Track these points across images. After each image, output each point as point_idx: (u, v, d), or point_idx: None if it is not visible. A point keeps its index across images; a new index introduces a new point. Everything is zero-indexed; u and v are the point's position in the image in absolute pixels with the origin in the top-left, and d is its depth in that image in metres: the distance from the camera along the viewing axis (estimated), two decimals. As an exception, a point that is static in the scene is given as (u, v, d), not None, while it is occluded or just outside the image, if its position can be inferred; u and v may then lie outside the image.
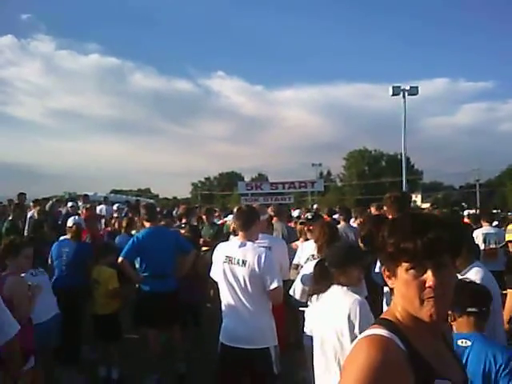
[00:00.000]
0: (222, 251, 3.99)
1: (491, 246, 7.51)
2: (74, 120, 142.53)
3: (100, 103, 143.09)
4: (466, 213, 12.57)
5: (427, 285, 1.31)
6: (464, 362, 2.38)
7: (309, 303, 3.70)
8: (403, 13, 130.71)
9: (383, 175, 68.70)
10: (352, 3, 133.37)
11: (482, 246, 7.45)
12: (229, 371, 3.88)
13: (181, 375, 5.95)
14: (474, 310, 2.57)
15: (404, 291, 1.36)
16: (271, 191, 31.08)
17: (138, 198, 34.35)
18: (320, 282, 3.26)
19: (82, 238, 6.24)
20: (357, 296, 3.05)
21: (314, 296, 3.30)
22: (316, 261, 3.86)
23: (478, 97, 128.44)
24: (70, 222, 6.35)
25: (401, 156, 28.11)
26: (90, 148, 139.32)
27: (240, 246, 3.88)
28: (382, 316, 1.43)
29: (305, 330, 3.77)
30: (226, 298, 3.92)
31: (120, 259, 5.80)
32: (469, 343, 2.51)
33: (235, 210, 4.40)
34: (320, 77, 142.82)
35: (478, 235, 7.74)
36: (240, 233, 3.99)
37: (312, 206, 26.21)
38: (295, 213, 13.91)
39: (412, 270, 1.33)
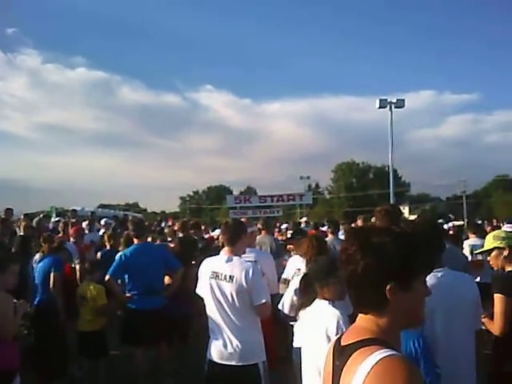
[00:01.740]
0: (208, 267, 3.94)
1: (478, 258, 7.54)
2: (61, 134, 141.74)
3: (87, 117, 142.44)
4: (450, 224, 12.67)
5: (428, 293, 1.49)
6: None
7: (297, 317, 3.68)
8: (390, 26, 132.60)
9: (371, 187, 69.15)
10: (339, 16, 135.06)
11: (469, 258, 7.49)
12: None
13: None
14: None
15: (413, 303, 1.45)
16: (260, 204, 31.12)
17: (126, 212, 34.18)
18: (305, 296, 3.25)
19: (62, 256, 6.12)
20: (336, 311, 3.05)
21: (301, 310, 3.28)
22: (302, 275, 3.84)
23: (463, 109, 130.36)
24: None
25: (388, 168, 28.27)
26: (77, 162, 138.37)
27: (227, 261, 3.84)
28: (370, 336, 1.41)
29: (294, 344, 3.74)
30: (213, 314, 3.87)
31: (107, 277, 5.75)
32: None
33: (222, 224, 4.37)
34: (307, 90, 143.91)
35: (464, 247, 7.79)
36: (226, 247, 3.95)
37: (300, 218, 26.22)
38: (283, 226, 13.94)
39: (424, 282, 1.48)
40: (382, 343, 1.36)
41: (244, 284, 3.70)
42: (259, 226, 7.09)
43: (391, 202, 26.63)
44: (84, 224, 13.51)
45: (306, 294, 3.03)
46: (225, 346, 3.78)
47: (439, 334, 2.93)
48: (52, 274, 5.80)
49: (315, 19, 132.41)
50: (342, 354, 1.43)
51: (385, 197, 37.29)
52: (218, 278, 3.80)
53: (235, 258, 3.86)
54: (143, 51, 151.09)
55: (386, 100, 25.16)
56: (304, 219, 16.63)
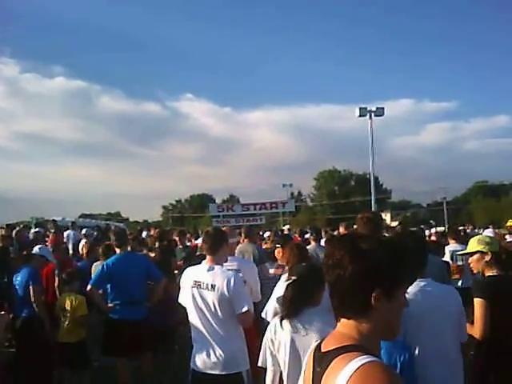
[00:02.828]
0: (189, 276, 3.93)
1: (458, 263, 7.63)
2: (41, 144, 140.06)
3: (67, 127, 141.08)
4: (432, 230, 12.81)
5: (406, 304, 1.52)
6: None
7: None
8: (369, 35, 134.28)
9: (353, 195, 69.67)
10: (319, 25, 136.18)
11: (450, 263, 7.59)
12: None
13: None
14: None
15: (394, 313, 1.47)
16: (243, 212, 31.12)
17: (108, 222, 33.91)
18: (293, 304, 3.20)
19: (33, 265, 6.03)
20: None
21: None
22: (287, 282, 3.82)
23: (441, 116, 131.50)
24: (34, 250, 6.18)
25: (369, 176, 28.52)
26: (57, 172, 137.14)
27: (208, 270, 3.83)
28: (350, 343, 1.41)
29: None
30: (195, 323, 3.85)
31: (89, 287, 5.70)
32: None
33: (203, 232, 4.36)
34: (288, 98, 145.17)
35: (445, 252, 7.88)
36: (208, 256, 3.94)
37: (283, 226, 26.30)
38: (266, 234, 13.93)
39: (404, 293, 1.50)
40: (363, 349, 1.37)
41: (226, 293, 3.69)
42: (242, 234, 7.09)
43: (373, 208, 26.84)
44: (65, 234, 13.41)
45: (295, 302, 2.96)
46: (208, 355, 3.76)
47: (426, 346, 2.93)
48: (31, 288, 5.71)
49: (295, 28, 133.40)
50: (322, 361, 1.43)
51: (366, 204, 37.65)
52: (200, 287, 3.79)
53: (217, 267, 3.85)
54: (122, 60, 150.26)
55: (366, 108, 25.37)
56: (287, 227, 16.66)
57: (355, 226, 4.99)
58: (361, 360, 1.30)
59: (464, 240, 8.51)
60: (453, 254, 7.79)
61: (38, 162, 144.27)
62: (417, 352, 2.92)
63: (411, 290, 3.01)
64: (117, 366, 5.80)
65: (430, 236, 10.51)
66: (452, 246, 8.04)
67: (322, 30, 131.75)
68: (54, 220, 14.25)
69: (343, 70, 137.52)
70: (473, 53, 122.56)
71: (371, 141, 25.70)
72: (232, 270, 4.50)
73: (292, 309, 2.83)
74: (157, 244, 8.46)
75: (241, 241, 7.14)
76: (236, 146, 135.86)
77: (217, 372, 3.70)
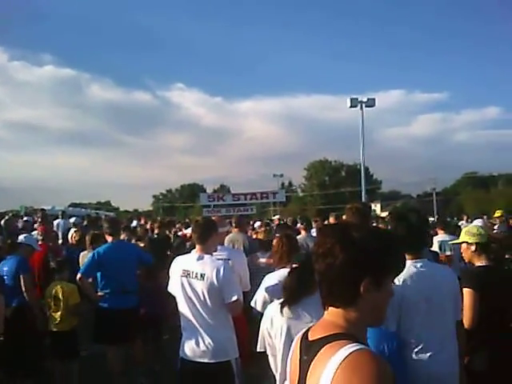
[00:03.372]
0: (179, 265, 3.94)
1: (447, 253, 7.70)
2: (30, 132, 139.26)
3: (57, 115, 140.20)
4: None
5: (392, 293, 1.53)
6: None
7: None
8: (361, 26, 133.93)
9: (343, 185, 69.85)
10: (310, 16, 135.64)
11: (439, 253, 7.67)
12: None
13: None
14: None
15: (382, 301, 1.49)
16: (233, 202, 31.11)
17: (98, 211, 33.77)
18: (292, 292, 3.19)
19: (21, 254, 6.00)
20: None
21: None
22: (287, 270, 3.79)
23: (432, 108, 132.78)
24: (19, 239, 6.14)
25: (360, 166, 28.59)
26: (47, 161, 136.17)
27: (198, 259, 3.84)
28: (338, 331, 1.42)
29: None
30: (184, 312, 3.87)
31: (79, 276, 5.67)
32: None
33: (193, 222, 4.36)
34: (279, 88, 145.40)
35: (434, 243, 7.95)
36: (197, 246, 3.95)
37: (274, 216, 26.33)
38: (256, 224, 13.97)
39: (392, 282, 1.51)
40: (351, 337, 1.38)
41: (215, 282, 3.71)
42: (232, 223, 7.10)
43: (363, 199, 26.96)
44: (55, 223, 13.34)
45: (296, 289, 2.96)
46: (197, 343, 3.78)
47: (421, 323, 2.97)
48: (21, 277, 5.68)
49: (288, 19, 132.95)
50: (309, 349, 1.44)
51: (357, 194, 37.78)
52: (189, 276, 3.80)
53: (206, 256, 3.87)
54: (112, 48, 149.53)
55: (357, 99, 25.39)
56: (277, 217, 16.69)
57: (344, 217, 5.01)
58: (350, 348, 1.32)
59: (454, 231, 8.61)
60: (441, 244, 7.87)
61: (27, 151, 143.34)
62: (416, 333, 2.96)
63: (409, 270, 3.04)
64: (107, 355, 5.80)
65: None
66: (440, 237, 8.12)
67: (314, 21, 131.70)
68: (42, 209, 14.14)
69: (335, 60, 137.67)
70: (464, 44, 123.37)
71: (362, 131, 25.76)
72: (222, 259, 4.51)
73: (293, 296, 2.85)
74: (156, 231, 8.43)
75: (231, 230, 7.16)
76: (227, 135, 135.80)
77: (206, 360, 3.72)
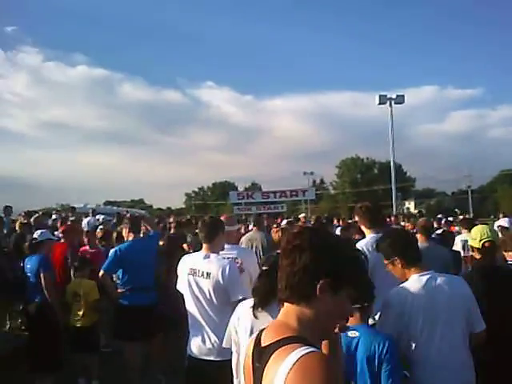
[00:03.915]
0: (186, 263, 3.99)
1: (470, 253, 7.55)
2: (64, 131, 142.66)
3: (90, 115, 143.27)
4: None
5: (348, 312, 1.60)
6: (354, 350, 2.81)
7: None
8: (392, 21, 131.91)
9: (376, 183, 68.96)
10: (340, 12, 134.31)
11: (461, 253, 7.53)
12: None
13: (161, 387, 5.96)
14: (358, 306, 2.86)
15: (335, 309, 1.50)
16: (264, 200, 31.24)
17: (131, 209, 34.34)
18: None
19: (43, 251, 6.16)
20: None
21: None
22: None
23: (467, 104, 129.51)
24: (35, 235, 6.33)
25: (391, 164, 28.21)
26: (81, 159, 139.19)
27: (204, 258, 3.89)
28: (290, 334, 1.43)
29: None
30: (191, 310, 3.93)
31: (101, 272, 5.80)
32: (357, 334, 2.84)
33: (200, 222, 4.40)
34: (309, 85, 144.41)
35: (456, 242, 7.82)
36: (204, 245, 4.00)
37: (298, 214, 26.21)
38: (283, 222, 13.95)
39: (349, 299, 1.53)
40: (302, 340, 1.39)
41: (221, 280, 3.75)
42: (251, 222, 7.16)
43: (393, 197, 26.65)
44: (85, 221, 13.65)
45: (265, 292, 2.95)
46: (203, 341, 3.84)
47: (422, 339, 2.94)
48: (42, 275, 5.85)
49: (317, 17, 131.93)
50: (261, 356, 1.44)
51: (389, 192, 37.22)
52: (196, 274, 3.86)
53: (212, 255, 3.91)
54: (143, 48, 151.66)
55: (386, 96, 25.08)
56: (302, 215, 16.62)
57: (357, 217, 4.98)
58: (300, 351, 1.32)
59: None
60: (464, 244, 7.72)
61: (62, 150, 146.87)
62: (422, 346, 2.93)
63: (414, 283, 3.03)
64: (125, 351, 5.93)
65: (438, 228, 10.33)
66: (464, 236, 7.96)
67: (344, 15, 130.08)
68: (72, 207, 14.49)
69: (366, 56, 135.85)
70: (498, 38, 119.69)
71: (391, 129, 25.43)
72: (231, 258, 4.56)
73: (262, 299, 2.85)
74: (172, 231, 8.54)
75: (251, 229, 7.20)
76: (257, 133, 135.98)
77: (211, 358, 3.77)
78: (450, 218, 12.78)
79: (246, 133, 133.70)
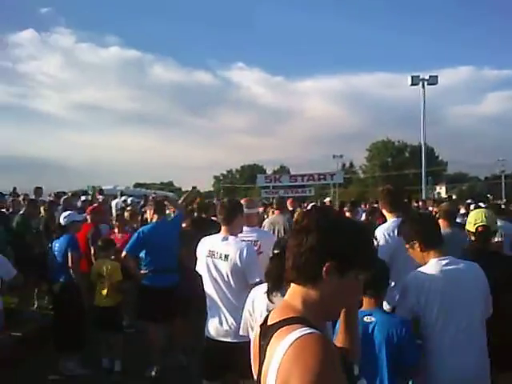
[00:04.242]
0: (205, 246, 4.01)
1: (496, 239, 7.36)
2: (97, 113, 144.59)
3: (121, 96, 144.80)
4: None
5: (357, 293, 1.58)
6: (370, 334, 2.82)
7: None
8: (425, 1, 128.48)
9: (407, 167, 67.90)
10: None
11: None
12: (214, 365, 3.90)
13: (182, 367, 6.05)
14: (375, 290, 2.91)
15: (342, 292, 1.48)
16: (292, 184, 31.17)
17: (159, 191, 34.69)
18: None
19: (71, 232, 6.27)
20: None
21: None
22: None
23: (503, 85, 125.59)
24: (62, 217, 6.47)
25: (422, 147, 27.70)
26: (112, 141, 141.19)
27: (222, 240, 3.90)
28: (292, 315, 1.43)
29: None
30: (210, 292, 3.96)
31: (124, 253, 5.89)
32: (373, 319, 2.86)
33: (219, 204, 4.41)
34: (340, 66, 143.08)
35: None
36: (222, 227, 4.00)
37: (324, 198, 26.07)
38: (309, 206, 13.92)
39: (361, 277, 1.49)
40: (305, 322, 1.38)
41: (238, 263, 3.75)
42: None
43: (423, 181, 26.22)
44: (113, 202, 13.87)
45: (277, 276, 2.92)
46: (221, 323, 3.86)
47: (438, 324, 2.90)
48: (69, 254, 5.97)
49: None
50: (266, 335, 1.45)
51: (420, 176, 36.63)
52: (214, 256, 3.87)
53: (231, 238, 3.92)
54: (175, 29, 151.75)
55: (418, 77, 24.48)
56: (328, 199, 16.51)
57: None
58: (300, 332, 1.32)
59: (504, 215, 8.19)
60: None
61: (94, 131, 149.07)
62: (439, 330, 2.89)
63: (432, 267, 3.00)
64: (148, 331, 6.02)
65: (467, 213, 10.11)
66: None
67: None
68: (100, 189, 14.72)
69: (399, 36, 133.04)
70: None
71: (423, 111, 24.88)
72: (251, 241, 4.56)
73: (275, 283, 2.83)
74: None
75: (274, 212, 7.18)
76: (287, 115, 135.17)
77: (228, 340, 3.79)
78: (482, 204, 12.46)
79: (276, 115, 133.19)
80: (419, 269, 3.09)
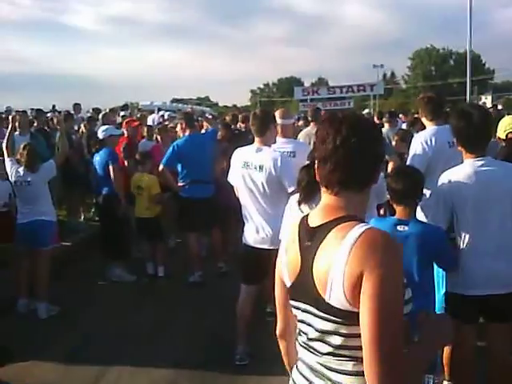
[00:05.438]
0: (239, 157, 4.04)
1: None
2: (129, 26, 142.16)
3: (153, 7, 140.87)
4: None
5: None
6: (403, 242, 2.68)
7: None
8: None
9: (451, 76, 64.88)
10: None
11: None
12: (251, 270, 4.07)
13: (222, 273, 6.34)
14: (409, 200, 2.91)
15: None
16: (330, 96, 30.46)
17: (197, 106, 34.58)
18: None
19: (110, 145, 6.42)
20: None
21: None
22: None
23: None
24: (99, 131, 6.65)
25: (467, 54, 26.23)
26: (146, 55, 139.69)
27: (256, 151, 3.92)
28: (344, 214, 1.41)
29: None
30: (245, 202, 4.04)
31: (160, 167, 6.01)
32: (406, 228, 2.83)
33: (251, 115, 4.37)
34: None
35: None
36: (256, 138, 4.01)
37: (365, 109, 25.41)
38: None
39: None
40: (359, 219, 1.39)
41: (273, 172, 3.79)
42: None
43: (468, 90, 25.12)
44: (150, 118, 13.95)
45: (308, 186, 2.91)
46: (257, 231, 3.97)
47: (473, 224, 2.87)
48: (110, 167, 6.13)
49: None
50: (314, 235, 1.42)
51: (465, 85, 35.07)
52: (249, 167, 3.91)
53: (264, 148, 3.93)
54: None
55: (466, -25, 22.72)
56: (366, 111, 16.11)
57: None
58: (362, 227, 1.33)
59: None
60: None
61: (127, 46, 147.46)
62: (470, 237, 2.88)
63: (466, 168, 2.91)
64: (188, 241, 6.26)
65: None
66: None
67: None
68: (137, 104, 14.77)
69: None
70: None
71: (469, 13, 23.29)
72: (287, 151, 4.56)
73: (307, 193, 2.84)
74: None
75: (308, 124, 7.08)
76: (325, 23, 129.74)
77: (265, 247, 3.90)
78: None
79: (314, 23, 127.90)
80: (452, 169, 3.00)
